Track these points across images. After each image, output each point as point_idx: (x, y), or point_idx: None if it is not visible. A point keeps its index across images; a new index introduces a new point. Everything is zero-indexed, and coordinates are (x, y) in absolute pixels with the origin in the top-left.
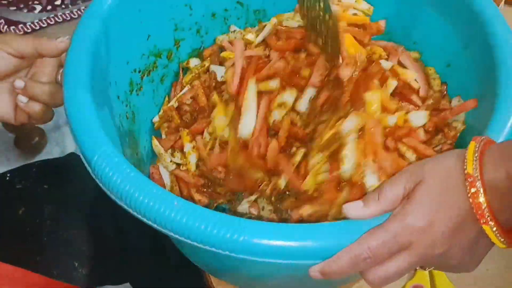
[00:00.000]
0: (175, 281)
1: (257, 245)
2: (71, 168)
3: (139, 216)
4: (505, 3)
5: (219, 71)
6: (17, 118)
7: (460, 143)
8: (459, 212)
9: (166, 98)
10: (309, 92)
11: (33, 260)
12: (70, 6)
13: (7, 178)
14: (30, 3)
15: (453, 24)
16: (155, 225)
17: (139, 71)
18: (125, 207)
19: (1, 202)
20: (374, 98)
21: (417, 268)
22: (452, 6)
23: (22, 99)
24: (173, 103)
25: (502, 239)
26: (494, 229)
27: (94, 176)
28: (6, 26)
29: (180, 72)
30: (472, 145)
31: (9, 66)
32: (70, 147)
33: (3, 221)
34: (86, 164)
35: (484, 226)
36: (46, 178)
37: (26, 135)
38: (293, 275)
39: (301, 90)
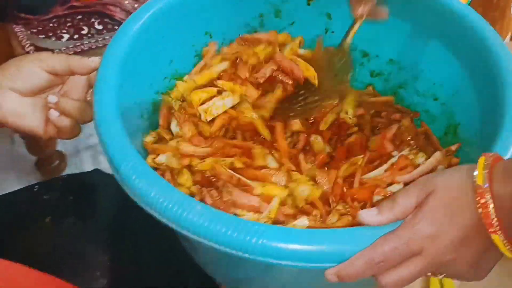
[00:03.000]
0: None
1: (275, 248)
2: (95, 182)
3: (163, 220)
4: (511, 39)
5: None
6: (47, 132)
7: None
8: (468, 222)
9: None
10: None
11: (57, 266)
12: (95, 35)
13: (35, 189)
14: (58, 31)
15: (459, 54)
16: (178, 228)
17: (161, 93)
18: (151, 212)
19: (30, 211)
20: None
21: (429, 274)
22: (459, 39)
23: (54, 113)
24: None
25: (510, 249)
26: (502, 238)
27: (121, 183)
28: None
29: None
30: (482, 160)
31: (43, 82)
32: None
33: (31, 229)
34: (114, 172)
35: (493, 236)
36: (72, 191)
37: (47, 158)
38: (308, 284)
39: None
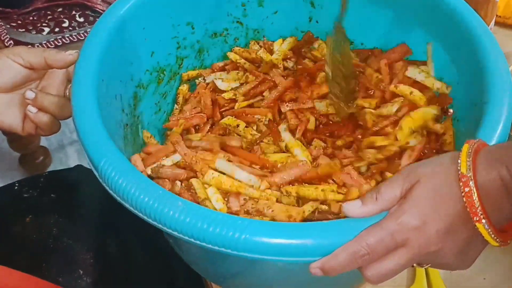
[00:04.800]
0: None
1: (258, 243)
2: (77, 179)
3: (145, 217)
4: (495, 24)
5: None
6: (25, 128)
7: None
8: (453, 211)
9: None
10: None
11: (40, 267)
12: (77, 28)
13: (16, 188)
14: (38, 25)
15: (443, 40)
16: (160, 226)
17: (143, 86)
18: (131, 208)
19: (9, 210)
20: None
21: (414, 265)
22: (442, 26)
23: (32, 109)
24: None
25: (495, 237)
26: (487, 226)
27: (100, 180)
28: None
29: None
30: (465, 147)
31: (19, 77)
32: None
33: (11, 229)
34: (93, 169)
35: (477, 224)
36: (53, 188)
37: (31, 154)
38: (294, 279)
39: None
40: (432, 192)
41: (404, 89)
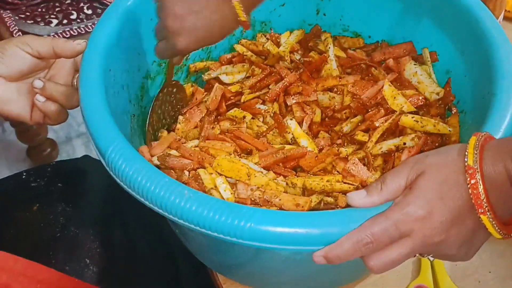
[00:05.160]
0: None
1: (263, 232)
2: (84, 169)
3: (151, 205)
4: (504, 18)
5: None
6: (33, 117)
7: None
8: (458, 203)
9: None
10: None
11: (46, 255)
12: (85, 20)
13: (23, 177)
14: (47, 17)
15: (451, 33)
16: (166, 214)
17: (150, 77)
18: (138, 196)
19: (16, 199)
20: None
21: (417, 255)
22: (450, 16)
23: (40, 98)
24: None
25: (499, 230)
26: (491, 219)
27: (107, 168)
28: None
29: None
30: (473, 140)
31: (27, 66)
32: None
33: (18, 217)
34: (100, 157)
35: (482, 216)
36: (60, 177)
37: (38, 146)
38: (299, 269)
39: None
40: (438, 183)
41: (408, 121)
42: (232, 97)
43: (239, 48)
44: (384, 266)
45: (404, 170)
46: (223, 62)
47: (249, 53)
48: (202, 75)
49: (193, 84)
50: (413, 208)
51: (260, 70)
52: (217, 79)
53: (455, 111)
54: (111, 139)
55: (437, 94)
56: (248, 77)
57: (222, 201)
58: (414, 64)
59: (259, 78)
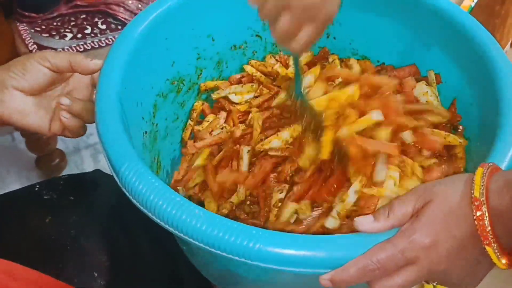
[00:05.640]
0: None
1: (271, 253)
2: (95, 182)
3: (162, 223)
4: (511, 46)
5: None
6: (51, 130)
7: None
8: (464, 233)
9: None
10: None
11: (56, 267)
12: (99, 35)
13: (36, 189)
14: (62, 30)
15: (459, 62)
16: (176, 232)
17: (162, 95)
18: (149, 214)
19: (30, 210)
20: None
21: (423, 282)
22: (458, 47)
23: (65, 115)
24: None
25: (503, 261)
26: (496, 251)
27: (120, 185)
28: (38, 51)
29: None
30: (479, 171)
31: (47, 80)
32: (88, 170)
33: (31, 228)
34: (113, 174)
35: (487, 247)
36: (72, 190)
37: (47, 156)
38: (303, 286)
39: None
40: (445, 213)
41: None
42: (240, 117)
43: (248, 68)
44: None
45: (412, 198)
46: (233, 82)
47: (258, 74)
48: (212, 94)
49: (204, 102)
50: (419, 236)
51: (268, 90)
52: (226, 98)
53: (461, 129)
54: (125, 156)
55: (443, 117)
56: (256, 97)
57: (231, 221)
58: (426, 85)
59: (266, 98)
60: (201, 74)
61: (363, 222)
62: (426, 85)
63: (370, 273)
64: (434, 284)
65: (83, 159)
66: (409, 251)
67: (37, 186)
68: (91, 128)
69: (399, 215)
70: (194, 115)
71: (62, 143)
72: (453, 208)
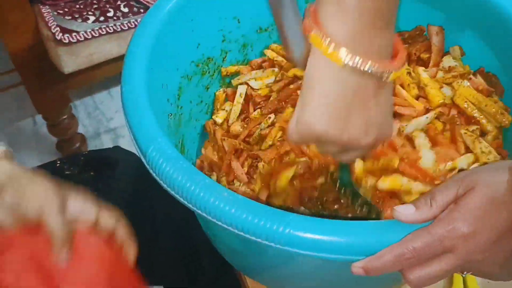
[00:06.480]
0: (208, 284)
1: (301, 238)
2: (115, 159)
3: (190, 205)
4: None
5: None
6: None
7: None
8: (505, 223)
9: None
10: None
11: None
12: (121, 18)
13: (57, 165)
14: (84, 13)
15: (494, 45)
16: (204, 214)
17: (187, 77)
18: (177, 196)
19: None
20: None
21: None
22: (493, 29)
23: None
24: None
25: None
26: None
27: (148, 167)
28: (61, 34)
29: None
30: None
31: None
32: None
33: None
34: (141, 156)
35: None
36: (93, 166)
37: (68, 140)
38: (330, 275)
39: None
40: (486, 201)
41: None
42: (262, 102)
43: (269, 53)
44: (424, 281)
45: (454, 186)
46: (254, 67)
47: (280, 58)
48: (232, 80)
49: (225, 90)
50: (459, 225)
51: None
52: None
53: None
54: (152, 138)
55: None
56: (277, 81)
57: (260, 205)
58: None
59: (286, 82)
60: (225, 57)
61: (404, 211)
62: (453, 58)
63: (405, 261)
64: (464, 274)
65: (103, 143)
66: (446, 239)
67: (58, 162)
68: (111, 112)
69: (442, 204)
70: (218, 104)
71: (82, 128)
72: (495, 197)
